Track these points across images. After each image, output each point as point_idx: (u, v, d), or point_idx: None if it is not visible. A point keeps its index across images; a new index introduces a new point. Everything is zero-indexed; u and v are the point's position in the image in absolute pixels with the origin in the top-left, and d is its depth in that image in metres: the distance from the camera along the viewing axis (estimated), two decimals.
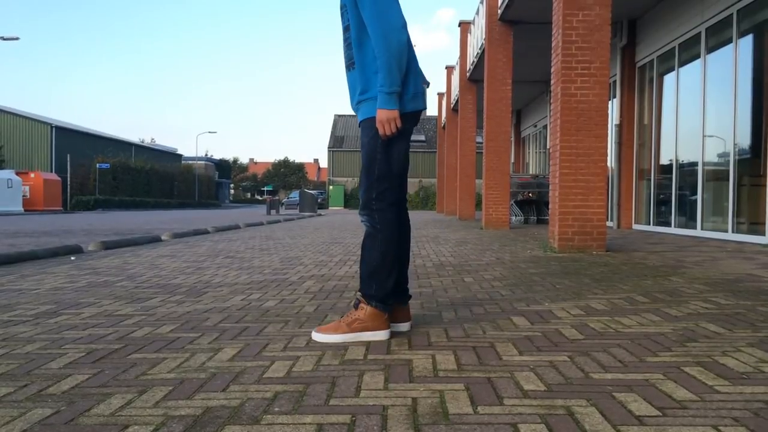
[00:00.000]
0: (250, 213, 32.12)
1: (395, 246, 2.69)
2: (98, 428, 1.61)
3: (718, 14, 9.16)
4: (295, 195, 47.80)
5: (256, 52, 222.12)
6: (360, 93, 2.66)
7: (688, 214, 10.29)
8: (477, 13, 15.13)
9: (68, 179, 39.94)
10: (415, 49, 2.72)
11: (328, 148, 55.24)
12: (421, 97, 2.70)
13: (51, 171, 41.47)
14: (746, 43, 8.62)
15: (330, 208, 50.73)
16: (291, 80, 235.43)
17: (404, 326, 2.78)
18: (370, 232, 2.68)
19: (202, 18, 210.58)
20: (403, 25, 2.57)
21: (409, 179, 56.44)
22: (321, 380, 2.03)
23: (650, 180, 11.83)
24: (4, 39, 29.26)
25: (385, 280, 2.65)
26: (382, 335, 2.62)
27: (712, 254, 6.51)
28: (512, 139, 21.96)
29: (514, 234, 10.64)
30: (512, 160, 22.50)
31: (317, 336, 2.60)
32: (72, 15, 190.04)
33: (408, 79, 2.63)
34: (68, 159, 40.51)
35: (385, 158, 2.64)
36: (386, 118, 2.56)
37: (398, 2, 2.59)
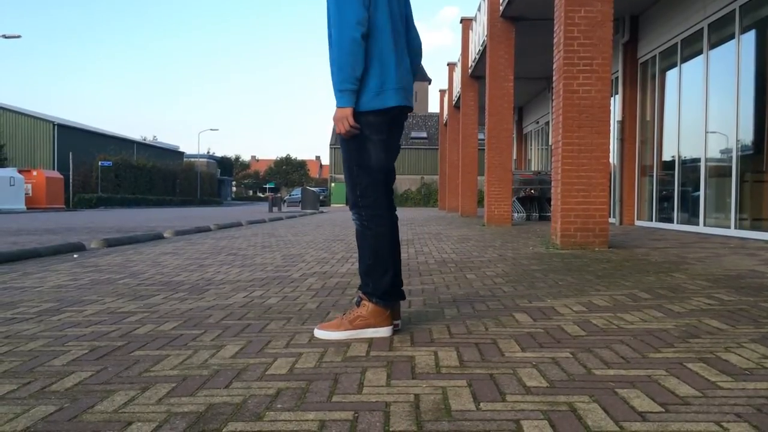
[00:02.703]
0: (252, 210, 32.14)
1: (387, 242, 2.65)
2: (101, 425, 1.62)
3: (721, 10, 9.13)
4: (297, 192, 47.82)
5: (257, 49, 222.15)
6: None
7: (690, 211, 10.27)
8: (479, 9, 15.10)
9: (71, 177, 40.01)
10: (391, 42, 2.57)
11: (330, 145, 55.26)
12: (393, 93, 2.57)
13: (53, 169, 41.53)
14: (749, 39, 8.60)
15: (332, 205, 50.74)
16: (293, 77, 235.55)
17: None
18: (359, 230, 2.68)
19: (203, 16, 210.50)
20: (359, 21, 2.46)
21: (410, 176, 55.86)
22: (323, 377, 2.03)
23: (652, 176, 11.82)
24: (6, 37, 29.27)
25: (381, 277, 2.63)
26: (384, 332, 2.61)
27: (715, 250, 6.50)
28: (514, 135, 21.93)
29: (516, 231, 10.63)
30: (514, 157, 22.48)
31: (320, 333, 2.60)
32: (73, 12, 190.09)
33: (370, 73, 2.53)
34: (70, 157, 40.56)
35: (359, 155, 2.60)
36: (338, 116, 2.51)
37: None
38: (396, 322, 2.70)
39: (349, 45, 2.46)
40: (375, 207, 2.63)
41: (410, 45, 2.79)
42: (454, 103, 22.32)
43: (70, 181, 39.78)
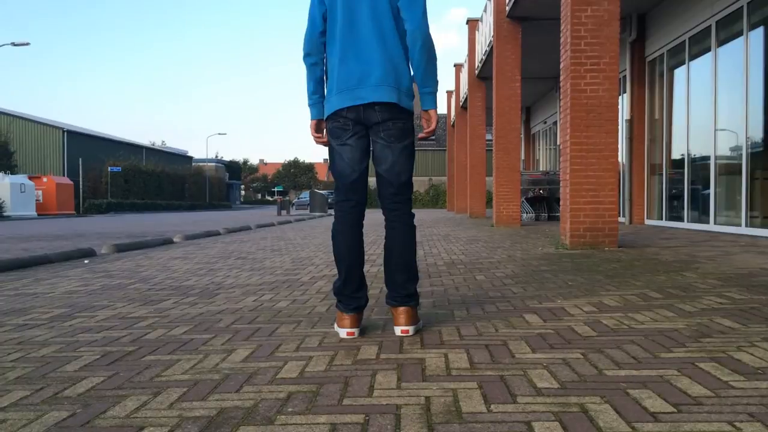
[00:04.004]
0: (261, 214, 32.22)
1: (337, 243, 2.69)
2: (114, 430, 1.63)
3: (728, 7, 9.09)
4: (305, 195, 47.86)
5: (264, 51, 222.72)
6: None
7: (700, 209, 10.21)
8: (485, 10, 15.08)
9: (80, 183, 40.25)
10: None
11: None
12: (335, 98, 2.60)
13: (63, 175, 41.79)
14: (757, 35, 8.55)
15: None
16: (300, 80, 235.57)
17: (396, 330, 2.66)
18: None
19: (208, 20, 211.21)
20: (304, 41, 2.70)
21: (419, 177, 55.93)
22: (334, 380, 2.04)
23: (662, 175, 11.76)
24: (15, 45, 29.51)
25: (338, 278, 2.72)
26: (340, 333, 2.68)
27: (726, 249, 6.46)
28: (522, 135, 21.90)
29: (526, 231, 10.60)
30: (522, 157, 22.42)
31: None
32: (80, 18, 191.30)
33: (329, 85, 2.70)
34: (80, 163, 40.82)
35: (329, 160, 2.77)
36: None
37: (310, 25, 2.67)
38: (405, 328, 2.64)
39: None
40: (336, 206, 2.75)
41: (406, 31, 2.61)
42: (461, 104, 22.30)
43: (80, 187, 40.02)
